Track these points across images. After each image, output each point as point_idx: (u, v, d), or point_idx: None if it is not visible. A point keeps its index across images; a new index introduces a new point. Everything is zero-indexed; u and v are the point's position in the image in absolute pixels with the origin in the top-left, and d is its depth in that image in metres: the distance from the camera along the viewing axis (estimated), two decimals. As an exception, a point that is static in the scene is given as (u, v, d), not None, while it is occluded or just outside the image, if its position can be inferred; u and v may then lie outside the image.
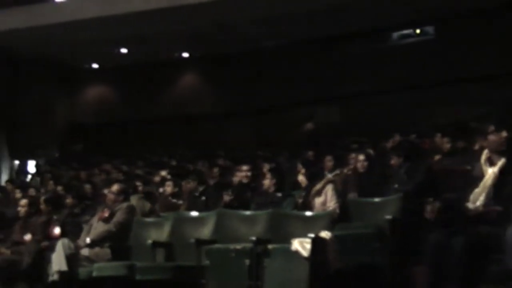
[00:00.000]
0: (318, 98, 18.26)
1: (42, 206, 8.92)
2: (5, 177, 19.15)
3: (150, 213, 9.39)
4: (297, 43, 18.42)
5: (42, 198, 9.11)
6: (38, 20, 17.32)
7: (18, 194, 12.08)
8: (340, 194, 7.67)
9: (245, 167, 8.93)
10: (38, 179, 15.55)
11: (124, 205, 8.15)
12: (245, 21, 16.94)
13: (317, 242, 6.41)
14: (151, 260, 7.54)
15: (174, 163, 15.17)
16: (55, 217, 8.91)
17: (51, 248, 7.72)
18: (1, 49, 19.10)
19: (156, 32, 17.63)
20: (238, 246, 6.74)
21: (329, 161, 9.57)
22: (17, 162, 20.33)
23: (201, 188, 9.68)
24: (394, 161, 7.96)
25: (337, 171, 9.04)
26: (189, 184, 9.73)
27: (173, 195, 9.81)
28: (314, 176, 7.80)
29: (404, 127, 13.37)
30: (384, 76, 17.17)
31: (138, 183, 11.13)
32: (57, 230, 8.39)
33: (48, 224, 8.64)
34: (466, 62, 16.01)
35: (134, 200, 9.60)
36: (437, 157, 9.43)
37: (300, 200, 7.77)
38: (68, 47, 19.00)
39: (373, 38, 17.79)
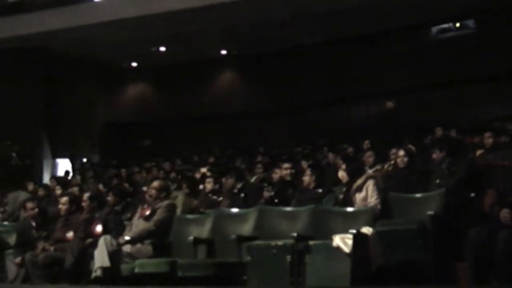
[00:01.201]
0: (357, 95, 18.19)
1: (86, 203, 8.96)
2: (47, 175, 19.42)
3: (196, 209, 9.39)
4: (335, 40, 18.35)
5: (86, 195, 9.15)
6: (77, 21, 17.52)
7: (58, 191, 12.21)
8: (381, 190, 7.61)
9: (286, 165, 8.91)
10: (79, 177, 15.72)
11: (165, 203, 8.16)
12: (283, 19, 16.92)
13: (358, 238, 6.39)
14: (193, 256, 7.55)
15: (213, 160, 15.22)
16: (96, 214, 8.96)
17: (94, 245, 7.79)
18: (41, 50, 19.36)
19: (194, 30, 17.71)
20: (279, 243, 6.74)
21: (369, 157, 9.54)
22: (58, 160, 20.60)
23: (239, 185, 9.69)
24: (436, 155, 7.89)
25: (378, 167, 9.01)
26: (228, 181, 9.75)
27: (213, 192, 9.83)
28: (355, 171, 7.75)
29: (444, 123, 13.25)
30: (424, 72, 17.00)
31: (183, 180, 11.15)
32: (99, 228, 8.42)
33: (90, 222, 8.69)
34: (507, 56, 15.75)
35: (181, 196, 9.62)
36: (479, 152, 9.33)
37: (340, 196, 7.75)
38: (107, 47, 19.19)
39: (412, 33, 17.63)
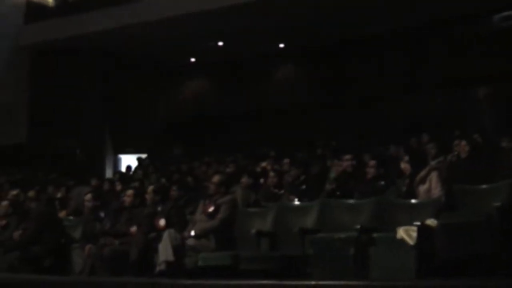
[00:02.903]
0: (418, 86, 17.94)
1: (150, 196, 9.04)
2: (109, 171, 19.73)
3: (255, 203, 9.42)
4: (394, 31, 18.09)
5: (151, 187, 9.24)
6: (134, 18, 17.75)
7: (118, 186, 12.37)
8: (445, 181, 7.51)
9: (347, 156, 8.87)
10: (140, 172, 15.90)
11: (227, 198, 8.19)
12: (340, 10, 16.77)
13: (423, 230, 6.32)
14: (255, 249, 7.58)
15: (273, 154, 15.20)
16: (159, 208, 9.05)
17: (158, 239, 7.87)
18: (101, 49, 19.63)
19: (252, 24, 17.71)
20: (343, 235, 6.70)
21: (432, 149, 9.42)
22: (121, 156, 20.92)
23: (301, 178, 9.67)
24: (504, 143, 7.75)
25: (441, 158, 8.89)
26: (292, 173, 9.74)
27: (275, 185, 9.83)
28: (418, 163, 7.66)
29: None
30: (487, 61, 16.64)
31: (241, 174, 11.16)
32: (162, 222, 8.51)
33: (154, 216, 8.79)
34: None
35: (239, 190, 9.66)
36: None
37: (404, 188, 7.67)
38: (165, 43, 19.33)
39: (474, 22, 17.26)
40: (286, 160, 12.14)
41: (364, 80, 18.62)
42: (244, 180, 10.25)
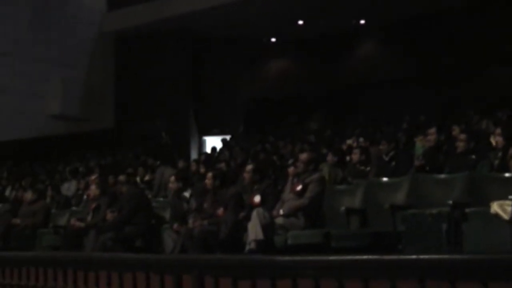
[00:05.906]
0: (504, 58, 17.46)
1: (248, 175, 9.01)
2: (194, 152, 19.97)
3: (342, 180, 9.36)
4: (476, 5, 17.60)
5: (250, 166, 9.19)
6: (216, 1, 17.85)
7: (202, 169, 12.46)
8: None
9: (432, 130, 8.71)
10: (227, 153, 16.01)
11: (315, 176, 8.11)
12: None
13: (518, 204, 6.13)
14: (345, 227, 7.53)
15: (358, 131, 15.09)
16: (255, 187, 9.03)
17: (247, 218, 7.90)
18: (186, 30, 19.87)
19: (332, 1, 17.57)
20: (434, 211, 6.57)
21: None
22: (205, 137, 21.16)
23: (391, 153, 9.56)
24: None
25: (533, 130, 8.62)
26: (382, 147, 9.63)
27: (361, 162, 9.74)
28: (510, 136, 7.45)
29: None
30: None
31: (327, 152, 11.11)
32: (257, 198, 8.48)
33: (240, 195, 8.81)
34: None
35: (326, 168, 9.61)
36: None
37: (496, 162, 7.47)
38: (247, 24, 19.41)
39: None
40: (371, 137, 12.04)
41: (447, 53, 18.25)
42: (330, 157, 10.19)
